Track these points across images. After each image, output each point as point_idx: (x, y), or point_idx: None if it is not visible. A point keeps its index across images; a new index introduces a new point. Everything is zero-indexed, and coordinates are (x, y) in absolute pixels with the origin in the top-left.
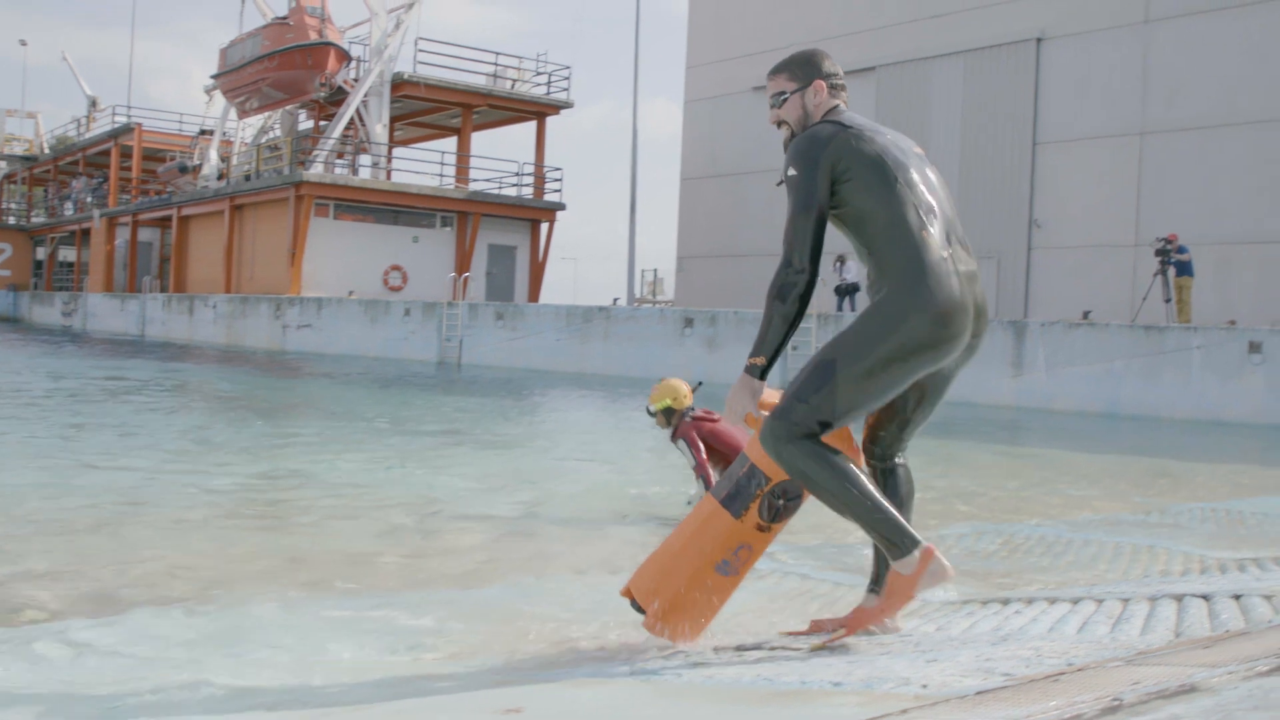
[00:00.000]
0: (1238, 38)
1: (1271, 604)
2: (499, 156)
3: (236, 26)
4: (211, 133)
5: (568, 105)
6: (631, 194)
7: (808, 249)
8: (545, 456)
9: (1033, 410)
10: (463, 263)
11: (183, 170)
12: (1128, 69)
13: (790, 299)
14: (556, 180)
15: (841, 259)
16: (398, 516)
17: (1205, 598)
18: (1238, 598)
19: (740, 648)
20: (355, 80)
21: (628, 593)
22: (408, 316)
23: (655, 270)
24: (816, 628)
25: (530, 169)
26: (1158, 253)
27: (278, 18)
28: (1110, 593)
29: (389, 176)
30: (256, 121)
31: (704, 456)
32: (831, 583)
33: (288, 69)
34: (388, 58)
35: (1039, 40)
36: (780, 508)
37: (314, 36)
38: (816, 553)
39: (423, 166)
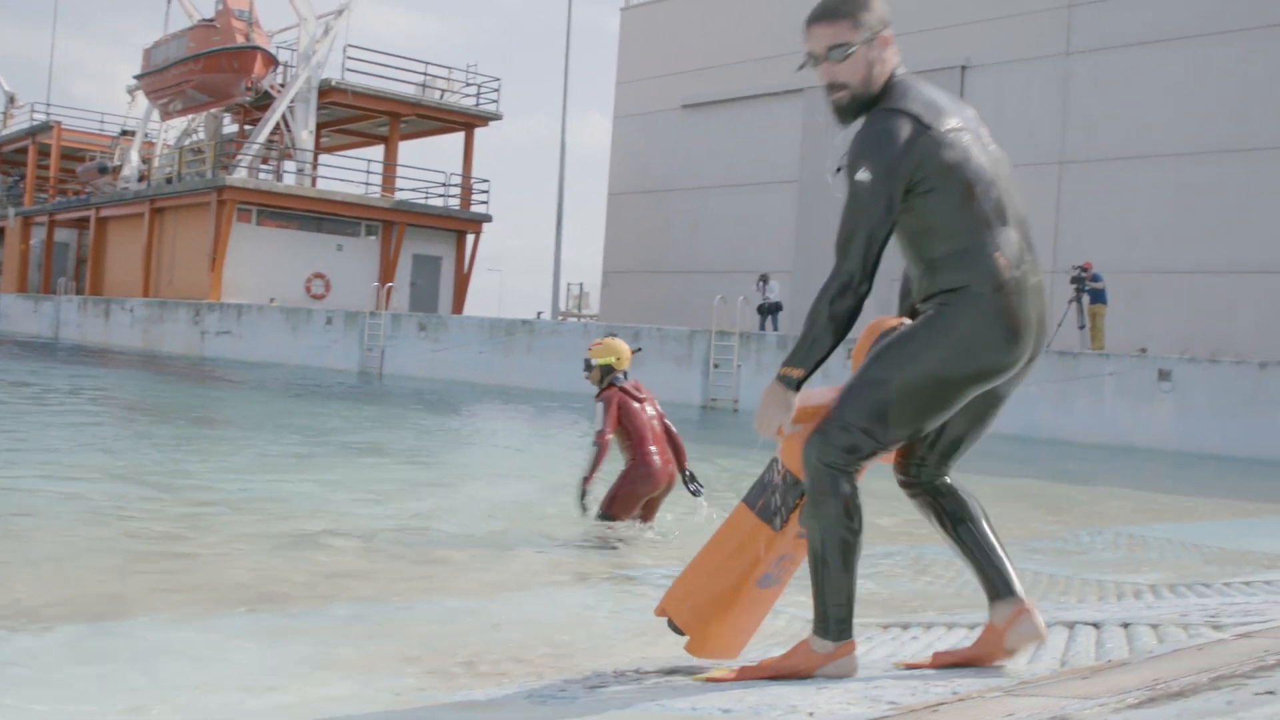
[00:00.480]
0: (1155, 73)
1: (1157, 633)
2: (426, 166)
3: (161, 27)
4: (133, 134)
5: (496, 117)
6: (558, 208)
7: (872, 264)
8: (461, 470)
9: None
10: (387, 272)
11: (102, 171)
12: (1048, 99)
13: (844, 314)
14: (484, 191)
15: (764, 278)
16: (300, 530)
17: (1096, 625)
18: (1125, 626)
19: (639, 671)
20: (282, 85)
21: (663, 612)
22: (329, 325)
23: (581, 285)
24: (940, 661)
25: (458, 179)
26: (1073, 280)
27: (204, 20)
28: None
29: (314, 183)
30: (180, 124)
31: (610, 431)
32: None
33: (213, 72)
34: (315, 64)
35: (964, 68)
36: None
37: (240, 40)
38: None
39: (348, 174)
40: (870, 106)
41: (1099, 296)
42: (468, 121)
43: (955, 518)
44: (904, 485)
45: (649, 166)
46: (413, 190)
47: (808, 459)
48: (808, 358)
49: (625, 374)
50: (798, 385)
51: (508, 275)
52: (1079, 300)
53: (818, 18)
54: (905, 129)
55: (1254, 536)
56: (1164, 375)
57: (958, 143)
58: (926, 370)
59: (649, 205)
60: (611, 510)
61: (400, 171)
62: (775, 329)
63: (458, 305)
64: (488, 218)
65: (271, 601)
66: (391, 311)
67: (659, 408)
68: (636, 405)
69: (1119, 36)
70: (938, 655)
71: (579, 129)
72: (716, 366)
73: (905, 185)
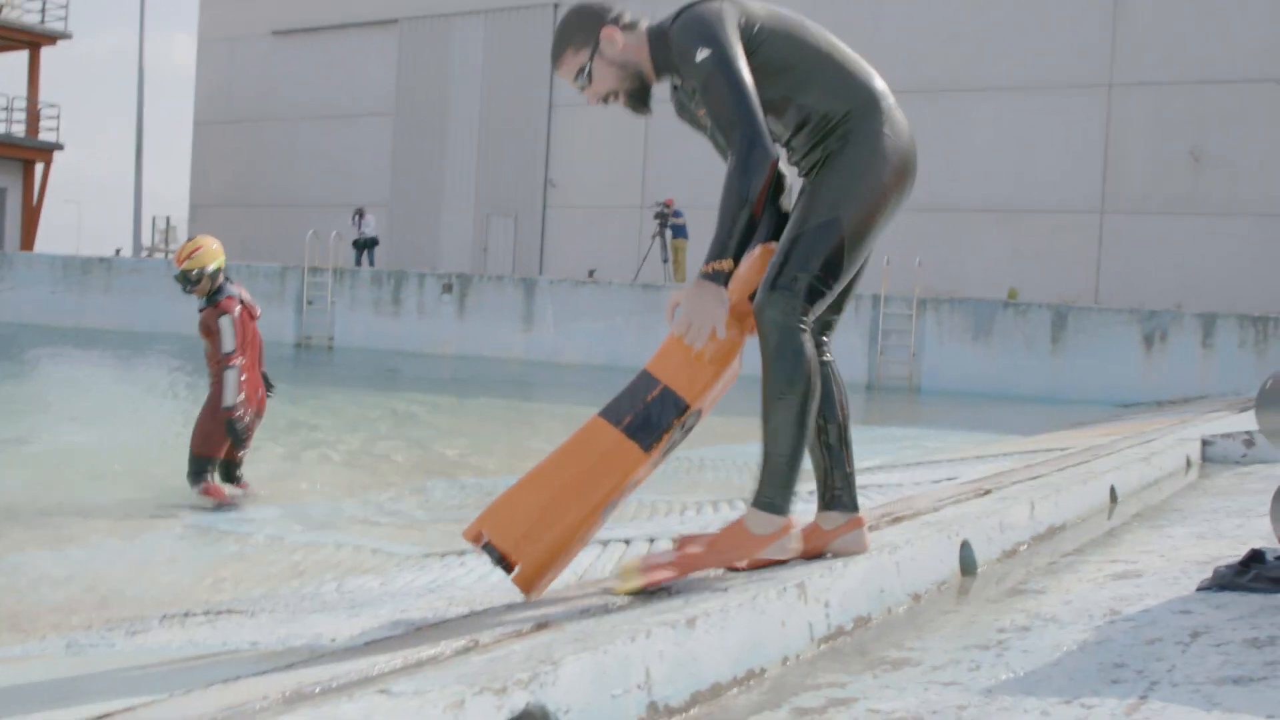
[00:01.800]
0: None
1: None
2: None
3: None
4: None
5: (65, 35)
6: (137, 137)
7: (762, 120)
8: (35, 418)
9: (541, 364)
10: None
11: None
12: None
13: (763, 179)
14: (53, 117)
15: (360, 212)
16: None
17: (626, 541)
18: (651, 540)
19: (188, 613)
20: None
21: (477, 537)
22: None
23: (169, 218)
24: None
25: (22, 104)
26: (656, 215)
27: None
28: None
29: None
30: None
31: (242, 351)
32: (297, 542)
33: None
34: None
35: (556, 5)
36: (685, 435)
37: None
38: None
39: None
40: (646, 85)
41: (680, 231)
42: (32, 40)
43: (827, 409)
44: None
45: (238, 94)
46: None
47: (770, 322)
48: (733, 244)
49: (228, 277)
50: (727, 279)
51: (89, 207)
52: (662, 235)
53: (552, 62)
54: (709, 8)
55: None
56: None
57: (755, 2)
58: (869, 191)
59: (238, 135)
60: (205, 450)
61: None
62: (371, 264)
63: (27, 241)
64: (59, 145)
65: None
66: None
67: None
68: (251, 322)
69: None
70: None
71: (166, 50)
72: (310, 303)
73: (742, 41)
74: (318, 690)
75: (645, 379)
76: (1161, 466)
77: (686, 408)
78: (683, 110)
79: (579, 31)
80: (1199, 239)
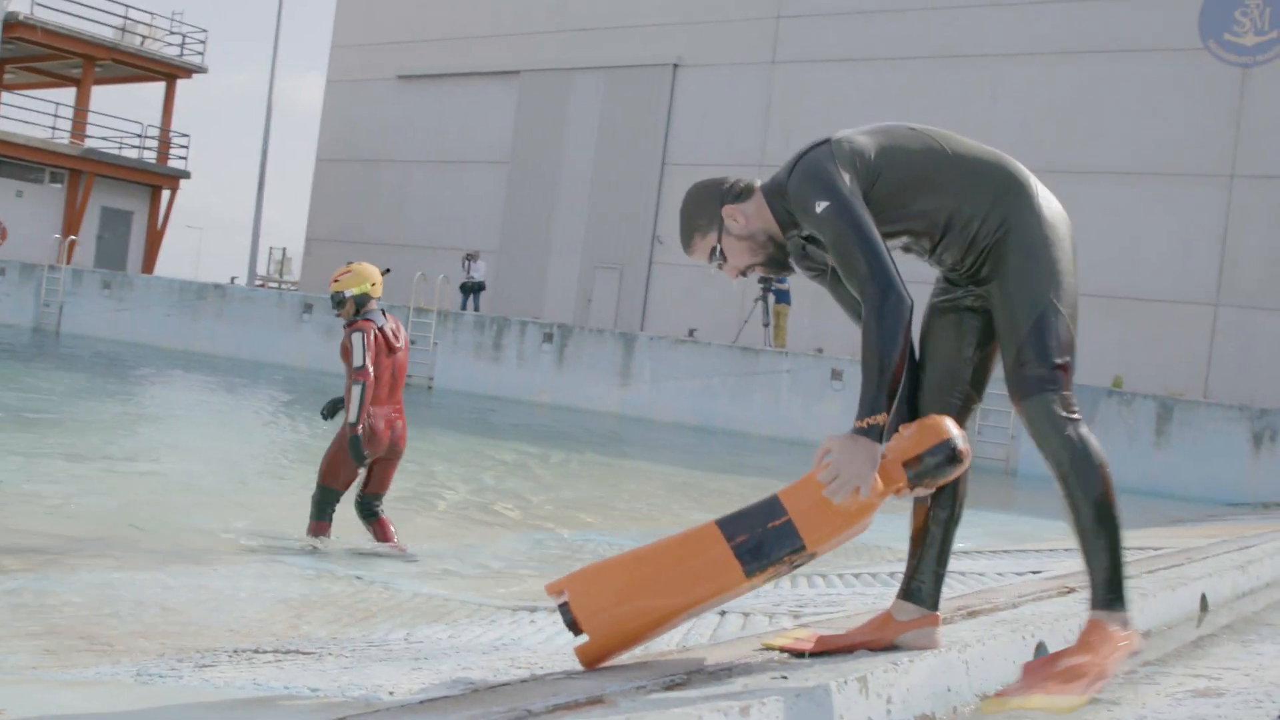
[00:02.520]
0: (848, 87)
1: (746, 620)
2: (123, 116)
3: None
4: None
5: (201, 70)
6: (261, 167)
7: (890, 260)
8: (135, 442)
9: (635, 420)
10: (72, 224)
11: None
12: (752, 103)
13: (902, 333)
14: (183, 146)
15: (472, 256)
16: None
17: (721, 612)
18: (722, 614)
19: (258, 650)
20: None
21: (559, 593)
22: (2, 276)
23: (284, 250)
24: (822, 645)
25: (155, 131)
26: (761, 279)
27: None
28: None
29: None
30: None
31: (373, 364)
32: (375, 584)
33: None
34: None
35: (675, 66)
36: (792, 571)
37: None
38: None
39: (34, 116)
40: (781, 246)
41: (783, 297)
42: (169, 72)
43: (941, 497)
44: None
45: (359, 134)
46: (104, 139)
47: (1048, 432)
48: (883, 397)
49: (382, 308)
50: (881, 434)
51: (209, 235)
52: (765, 299)
53: (684, 247)
54: (820, 153)
55: (891, 531)
56: (836, 374)
57: (859, 132)
58: (1057, 260)
59: (357, 174)
60: (329, 480)
61: (93, 119)
62: (476, 309)
63: (149, 264)
64: (185, 174)
65: None
66: (74, 266)
67: (405, 360)
68: (387, 354)
69: (818, 52)
70: (821, 639)
71: (295, 89)
72: (413, 343)
73: (862, 184)
74: None
75: (773, 505)
76: (1259, 576)
77: (803, 548)
78: (802, 259)
79: (700, 216)
80: None
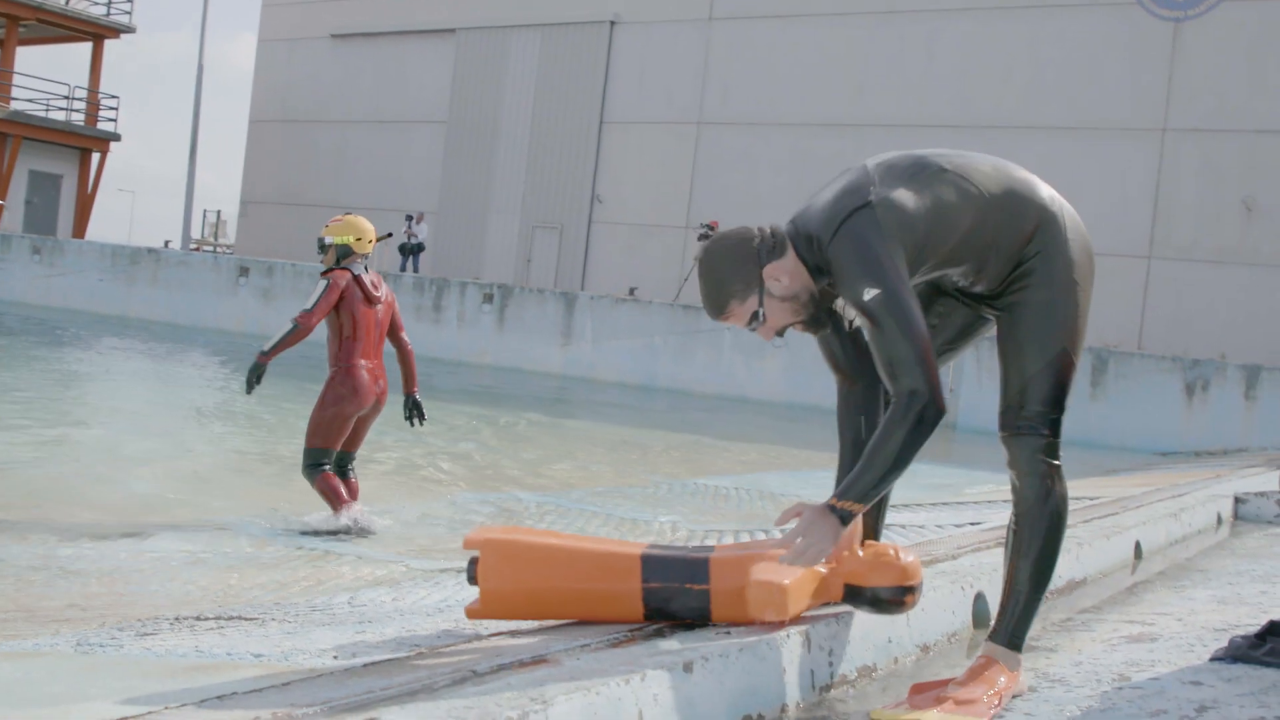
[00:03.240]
0: (785, 45)
1: None
2: (49, 77)
3: None
4: None
5: (129, 29)
6: (194, 129)
7: (936, 371)
8: (72, 407)
9: (578, 380)
10: None
11: None
12: (690, 61)
13: (922, 443)
14: (112, 108)
15: (415, 217)
16: None
17: None
18: None
19: (199, 617)
20: None
21: (471, 546)
22: None
23: (219, 212)
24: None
25: (83, 93)
26: (700, 237)
27: None
28: None
29: None
30: None
31: (318, 317)
32: (317, 550)
33: None
34: None
35: (613, 23)
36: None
37: None
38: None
39: None
40: (818, 300)
41: None
42: (96, 31)
43: None
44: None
45: (294, 95)
46: (30, 101)
47: (1028, 472)
48: (878, 491)
49: (366, 263)
50: (850, 522)
51: (142, 198)
52: None
53: (715, 315)
54: (864, 225)
55: (830, 487)
56: (779, 332)
57: (895, 181)
58: (1077, 303)
59: (293, 135)
60: (318, 441)
61: (18, 80)
62: (416, 270)
63: (80, 228)
64: (116, 136)
65: None
66: (2, 232)
67: (398, 318)
68: (365, 305)
69: (755, 8)
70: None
71: (230, 50)
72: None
73: (908, 255)
74: (308, 715)
75: (700, 568)
76: (1190, 523)
77: (706, 619)
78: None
79: (737, 280)
80: (1247, 289)
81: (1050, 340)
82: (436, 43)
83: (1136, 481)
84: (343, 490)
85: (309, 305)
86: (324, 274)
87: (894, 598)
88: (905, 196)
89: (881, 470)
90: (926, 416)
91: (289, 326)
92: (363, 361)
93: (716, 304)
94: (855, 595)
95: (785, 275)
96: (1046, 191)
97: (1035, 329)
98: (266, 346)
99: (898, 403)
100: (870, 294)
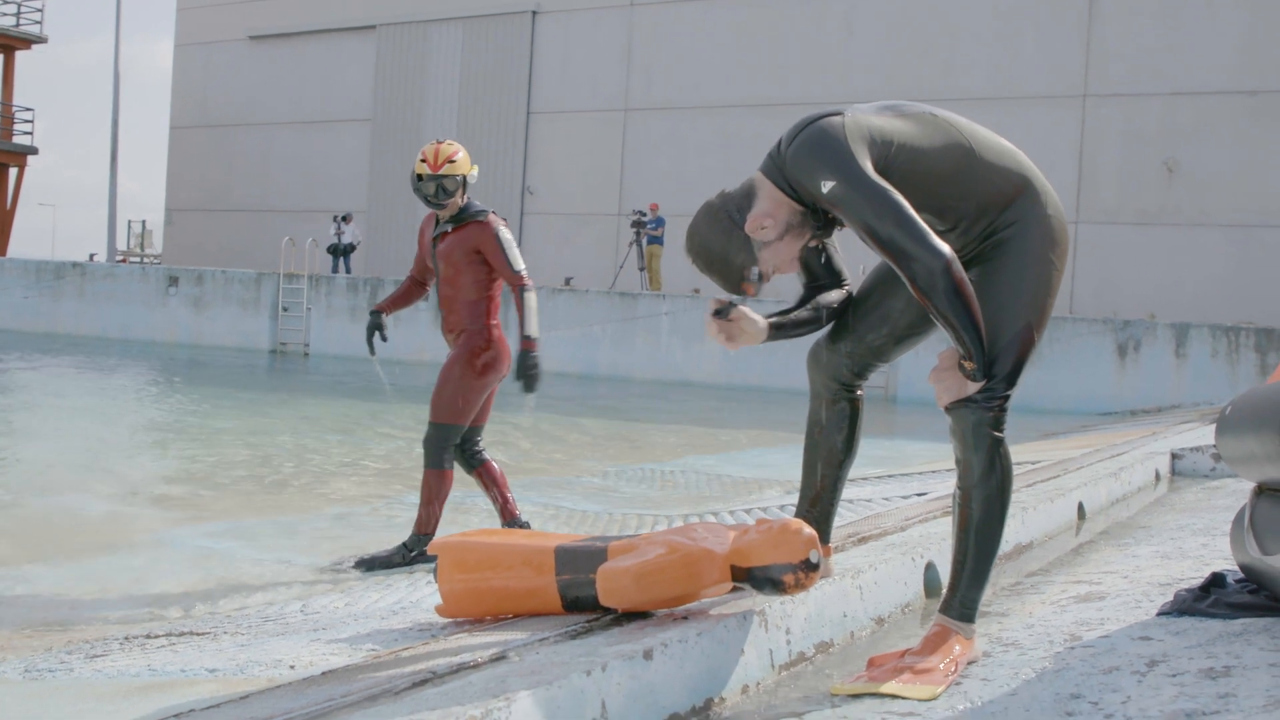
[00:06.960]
0: (706, 28)
1: None
2: None
3: None
4: None
5: (40, 40)
6: (113, 139)
7: (923, 226)
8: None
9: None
10: None
11: None
12: (613, 47)
13: (957, 280)
14: (28, 121)
15: (344, 217)
16: None
17: None
18: None
19: (150, 635)
20: None
21: (434, 551)
22: None
23: (144, 222)
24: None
25: None
26: (634, 224)
27: None
28: None
29: None
30: None
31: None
32: (270, 556)
33: None
34: None
35: (534, 13)
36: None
37: None
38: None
39: None
40: (809, 211)
41: (656, 239)
42: (7, 43)
43: (846, 442)
44: (846, 387)
45: (214, 99)
46: None
47: (975, 444)
48: (975, 341)
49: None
50: (974, 376)
51: (65, 211)
52: (639, 243)
53: (734, 289)
54: (829, 124)
55: (776, 465)
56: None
57: (876, 110)
58: (1046, 278)
59: (215, 140)
60: (454, 416)
61: None
62: (348, 271)
63: (1, 245)
64: (33, 149)
65: None
66: None
67: None
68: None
69: None
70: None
71: (148, 55)
72: (285, 310)
73: (876, 167)
74: None
75: (601, 559)
76: (1130, 482)
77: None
78: (822, 233)
79: (735, 255)
80: (1172, 250)
81: (1015, 315)
82: (357, 40)
83: (1076, 443)
84: (499, 474)
85: (518, 265)
86: (476, 222)
87: (785, 575)
88: (881, 119)
89: (958, 321)
90: (941, 270)
91: (529, 298)
92: (497, 321)
93: (734, 281)
94: (745, 576)
95: (767, 218)
96: (1029, 163)
97: (1003, 299)
98: (533, 331)
99: (920, 285)
100: (829, 185)
